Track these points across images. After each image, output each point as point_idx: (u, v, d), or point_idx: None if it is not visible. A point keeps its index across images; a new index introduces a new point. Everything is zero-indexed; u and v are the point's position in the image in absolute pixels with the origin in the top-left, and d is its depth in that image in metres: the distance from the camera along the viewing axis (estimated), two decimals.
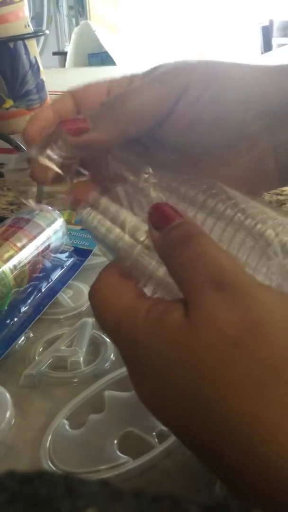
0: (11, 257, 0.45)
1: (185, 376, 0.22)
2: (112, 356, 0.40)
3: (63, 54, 2.36)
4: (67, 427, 0.34)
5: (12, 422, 0.35)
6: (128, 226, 0.27)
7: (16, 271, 0.45)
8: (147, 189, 0.28)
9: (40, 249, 0.48)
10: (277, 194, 0.70)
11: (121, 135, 0.29)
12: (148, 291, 0.26)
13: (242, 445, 0.20)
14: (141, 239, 0.26)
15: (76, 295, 0.49)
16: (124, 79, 0.31)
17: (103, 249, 0.28)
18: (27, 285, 0.47)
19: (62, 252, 0.53)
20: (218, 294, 0.22)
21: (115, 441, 0.33)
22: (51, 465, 0.32)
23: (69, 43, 1.92)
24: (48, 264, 0.50)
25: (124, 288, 0.26)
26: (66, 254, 0.53)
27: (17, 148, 0.68)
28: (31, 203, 0.30)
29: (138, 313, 0.24)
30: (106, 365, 0.40)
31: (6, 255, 0.45)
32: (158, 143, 0.31)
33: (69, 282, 0.50)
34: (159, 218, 0.25)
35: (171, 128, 0.29)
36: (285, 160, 0.31)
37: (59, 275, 0.50)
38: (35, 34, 0.77)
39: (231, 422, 0.20)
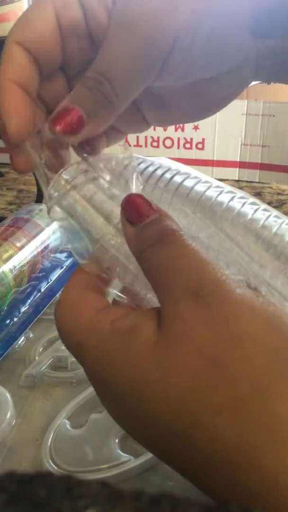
0: (10, 257, 0.45)
1: (161, 401, 0.20)
2: None
3: None
4: (68, 427, 0.34)
5: (13, 423, 0.35)
6: (103, 208, 0.25)
7: (15, 271, 0.45)
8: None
9: (40, 249, 0.48)
10: (278, 194, 0.70)
11: (116, 115, 0.26)
12: (125, 282, 0.25)
13: (227, 474, 0.18)
14: (115, 221, 0.25)
15: None
16: (72, 1, 0.26)
17: (70, 238, 0.26)
18: (27, 285, 0.47)
19: (62, 252, 0.53)
20: (195, 304, 0.20)
21: (116, 440, 0.32)
22: (52, 465, 0.32)
23: None
24: (47, 264, 0.50)
25: (83, 304, 0.24)
26: (65, 254, 0.53)
27: None
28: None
29: (100, 332, 0.22)
30: None
31: (6, 255, 0.45)
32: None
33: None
34: (133, 212, 0.24)
35: (162, 82, 0.26)
36: (264, 58, 0.27)
37: (58, 275, 0.50)
38: None
39: (215, 449, 0.19)
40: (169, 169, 0.32)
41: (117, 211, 0.24)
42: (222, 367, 0.19)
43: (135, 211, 0.24)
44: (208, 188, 0.30)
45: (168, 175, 0.31)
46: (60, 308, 0.24)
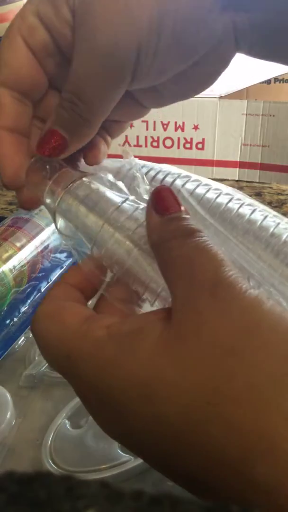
0: (10, 257, 0.45)
1: (175, 398, 0.19)
2: None
3: None
4: (68, 427, 0.34)
5: (13, 423, 0.35)
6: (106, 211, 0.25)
7: (15, 271, 0.45)
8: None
9: (40, 249, 0.48)
10: (278, 194, 0.70)
11: (97, 128, 0.27)
12: (121, 279, 0.24)
13: (245, 467, 0.18)
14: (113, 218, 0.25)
15: None
16: (36, 24, 0.26)
17: (72, 239, 0.26)
18: (27, 285, 0.47)
19: (62, 252, 0.53)
20: (211, 298, 0.20)
21: None
22: (53, 465, 0.32)
23: None
24: (47, 264, 0.50)
25: (67, 313, 0.23)
26: (65, 254, 0.53)
27: None
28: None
29: (94, 338, 0.21)
30: None
31: (6, 255, 0.45)
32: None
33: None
34: (162, 203, 0.24)
35: (140, 85, 0.26)
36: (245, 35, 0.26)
37: (58, 275, 0.50)
38: None
39: (232, 440, 0.18)
40: (174, 174, 0.32)
41: (113, 210, 0.25)
42: (239, 355, 0.19)
43: (165, 202, 0.24)
44: (219, 195, 0.30)
45: (179, 182, 0.31)
46: (38, 320, 0.23)
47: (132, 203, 0.25)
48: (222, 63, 0.28)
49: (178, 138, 0.75)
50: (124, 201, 0.25)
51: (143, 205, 0.25)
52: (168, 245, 0.22)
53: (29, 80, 0.27)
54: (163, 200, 0.24)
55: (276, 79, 0.77)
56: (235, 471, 0.18)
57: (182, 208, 0.24)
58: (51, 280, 0.49)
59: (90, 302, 0.26)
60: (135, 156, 0.32)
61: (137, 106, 0.30)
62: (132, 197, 0.26)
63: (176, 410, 0.19)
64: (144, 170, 0.31)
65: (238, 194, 0.31)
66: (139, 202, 0.26)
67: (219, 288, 0.20)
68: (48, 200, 0.26)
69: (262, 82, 0.76)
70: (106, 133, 0.30)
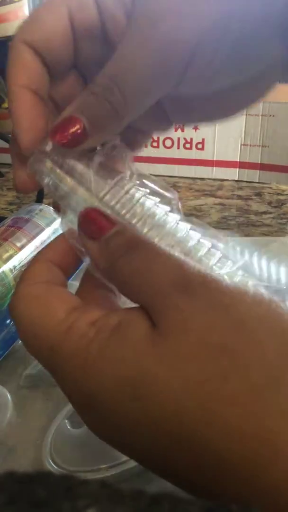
0: (10, 257, 0.45)
1: (167, 399, 0.18)
2: None
3: None
4: (68, 427, 0.34)
5: (13, 423, 0.35)
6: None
7: (15, 271, 0.45)
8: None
9: (40, 249, 0.48)
10: (278, 194, 0.70)
11: (122, 126, 0.24)
12: None
13: (247, 471, 0.17)
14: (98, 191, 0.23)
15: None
16: (88, 2, 0.24)
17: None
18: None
19: None
20: (188, 296, 0.19)
21: None
22: (53, 465, 0.32)
23: None
24: None
25: (53, 301, 0.21)
26: None
27: None
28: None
29: (80, 333, 0.20)
30: None
31: (6, 255, 0.45)
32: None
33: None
34: (92, 227, 0.22)
35: (181, 90, 0.24)
36: None
37: None
38: None
39: (231, 443, 0.17)
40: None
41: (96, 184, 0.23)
42: (231, 354, 0.18)
43: (95, 225, 0.22)
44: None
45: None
46: (20, 302, 0.21)
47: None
48: (263, 90, 0.27)
49: (178, 138, 0.75)
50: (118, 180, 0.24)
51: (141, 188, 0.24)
52: (117, 267, 0.21)
53: (56, 53, 0.24)
54: (92, 223, 0.22)
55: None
56: (236, 477, 0.17)
57: (114, 223, 0.22)
58: None
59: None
60: (135, 156, 0.31)
61: (163, 119, 0.28)
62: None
63: (168, 411, 0.18)
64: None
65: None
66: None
67: (191, 285, 0.19)
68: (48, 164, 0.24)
69: None
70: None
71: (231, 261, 0.22)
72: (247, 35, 0.23)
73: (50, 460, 0.32)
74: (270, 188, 0.72)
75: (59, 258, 0.24)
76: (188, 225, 0.23)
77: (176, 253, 0.21)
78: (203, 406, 0.18)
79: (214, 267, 0.22)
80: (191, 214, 0.65)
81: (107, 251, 0.21)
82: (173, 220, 0.23)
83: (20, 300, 0.22)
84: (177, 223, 0.23)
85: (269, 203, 0.67)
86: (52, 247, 0.24)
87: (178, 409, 0.18)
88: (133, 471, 0.31)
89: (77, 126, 0.22)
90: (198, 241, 0.23)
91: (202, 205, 0.68)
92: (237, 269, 0.22)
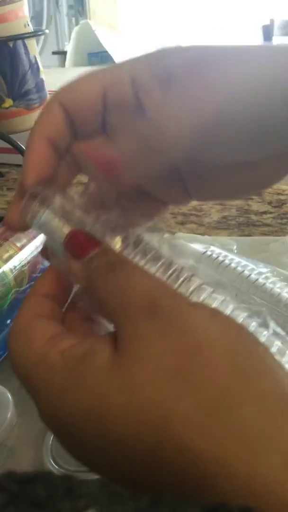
0: (11, 257, 0.45)
1: (125, 425, 0.19)
2: None
3: (62, 53, 2.36)
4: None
5: (14, 423, 0.35)
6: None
7: (16, 271, 0.45)
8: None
9: (40, 249, 0.48)
10: (278, 194, 0.70)
11: (158, 168, 0.27)
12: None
13: (202, 487, 0.18)
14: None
15: None
16: (121, 77, 0.27)
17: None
18: (27, 285, 0.47)
19: None
20: (151, 322, 0.20)
21: None
22: (54, 465, 0.32)
23: (68, 43, 1.92)
24: (47, 264, 0.50)
25: (34, 333, 0.23)
26: None
27: (17, 148, 0.68)
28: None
29: (49, 364, 0.21)
30: None
31: (6, 255, 0.45)
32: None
33: None
34: (77, 247, 0.24)
35: (203, 154, 0.27)
36: None
37: None
38: (35, 34, 0.77)
39: (186, 463, 0.18)
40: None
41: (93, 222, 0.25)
42: (184, 375, 0.19)
43: (80, 245, 0.24)
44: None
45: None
46: (11, 336, 0.24)
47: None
48: (281, 172, 0.29)
49: None
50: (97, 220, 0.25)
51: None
52: (96, 285, 0.22)
53: (84, 117, 0.27)
54: (77, 244, 0.24)
55: None
56: (196, 492, 0.18)
57: (98, 245, 0.24)
58: None
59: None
60: None
61: (182, 192, 0.30)
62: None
63: (126, 437, 0.19)
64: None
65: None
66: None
67: (157, 308, 0.20)
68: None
69: None
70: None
71: (209, 287, 0.24)
72: (269, 111, 0.25)
73: (50, 460, 0.32)
74: (271, 188, 0.72)
75: (49, 288, 0.25)
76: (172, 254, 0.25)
77: (155, 274, 0.23)
78: (158, 429, 0.18)
79: (191, 293, 0.23)
80: (191, 214, 0.65)
81: (88, 271, 0.23)
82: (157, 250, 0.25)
83: (11, 334, 0.24)
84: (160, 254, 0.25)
85: (269, 203, 0.67)
86: (42, 278, 0.26)
87: (135, 434, 0.19)
88: None
89: (116, 162, 0.26)
90: (181, 269, 0.24)
91: (202, 205, 0.68)
92: (214, 294, 0.23)
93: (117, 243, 0.25)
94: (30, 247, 0.47)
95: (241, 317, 0.24)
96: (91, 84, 0.27)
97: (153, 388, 0.19)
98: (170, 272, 0.24)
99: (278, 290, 0.42)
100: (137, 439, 0.19)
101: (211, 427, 0.18)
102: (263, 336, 0.24)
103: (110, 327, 0.22)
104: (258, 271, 0.44)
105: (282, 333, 0.27)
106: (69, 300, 0.25)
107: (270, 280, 0.43)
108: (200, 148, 0.26)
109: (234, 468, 0.17)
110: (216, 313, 0.21)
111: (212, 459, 0.18)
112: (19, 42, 0.72)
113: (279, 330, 0.27)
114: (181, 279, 0.24)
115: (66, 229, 0.25)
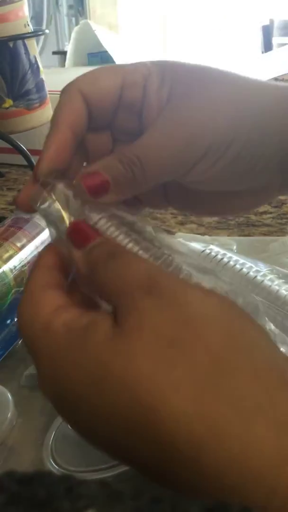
0: (11, 257, 0.45)
1: (122, 391, 0.20)
2: None
3: (62, 53, 2.36)
4: (69, 426, 0.34)
5: (14, 423, 0.36)
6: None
7: (16, 271, 0.45)
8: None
9: (40, 248, 0.48)
10: None
11: (139, 192, 0.29)
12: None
13: (193, 453, 0.18)
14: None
15: None
16: (138, 78, 0.28)
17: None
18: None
19: None
20: (150, 298, 0.21)
21: None
22: (54, 465, 0.32)
23: (68, 43, 1.92)
24: None
25: (43, 302, 0.24)
26: None
27: (17, 148, 0.68)
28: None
29: (53, 332, 0.22)
30: None
31: (6, 255, 0.45)
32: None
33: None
34: (79, 237, 0.25)
35: (187, 180, 0.29)
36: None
37: None
38: (35, 34, 0.77)
39: (178, 428, 0.18)
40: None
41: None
42: (179, 345, 0.20)
43: (81, 235, 0.25)
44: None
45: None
46: (21, 302, 0.25)
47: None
48: (261, 200, 0.33)
49: None
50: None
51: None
52: (96, 272, 0.24)
53: (101, 110, 0.28)
54: (78, 234, 0.25)
55: (276, 80, 0.77)
56: (183, 461, 0.18)
57: (99, 235, 0.25)
58: None
59: None
60: None
61: (162, 198, 0.33)
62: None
63: (123, 402, 0.19)
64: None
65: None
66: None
67: (154, 288, 0.21)
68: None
69: None
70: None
71: (199, 274, 0.25)
72: (252, 144, 0.28)
73: (51, 460, 0.32)
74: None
75: (54, 261, 0.26)
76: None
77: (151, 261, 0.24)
78: (153, 394, 0.19)
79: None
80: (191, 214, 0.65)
81: (89, 259, 0.24)
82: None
83: (20, 301, 0.25)
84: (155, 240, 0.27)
85: (269, 203, 0.67)
86: (47, 251, 0.27)
87: (131, 396, 0.19)
88: (133, 471, 0.31)
89: (103, 181, 0.27)
90: (172, 258, 0.26)
91: None
92: (204, 283, 0.25)
93: (116, 235, 0.26)
94: (30, 247, 0.47)
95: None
96: (112, 79, 0.28)
97: (149, 356, 0.20)
98: (160, 261, 0.25)
99: (277, 287, 0.42)
100: (132, 402, 0.19)
101: (203, 392, 0.19)
102: None
103: (109, 309, 0.23)
104: (256, 269, 0.44)
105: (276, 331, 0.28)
106: (71, 277, 0.26)
107: (268, 278, 0.43)
108: (188, 167, 0.28)
109: (225, 432, 0.18)
110: (210, 292, 0.22)
111: (204, 423, 0.18)
112: (19, 42, 0.72)
113: (272, 326, 0.28)
114: (171, 267, 0.25)
115: (70, 220, 0.26)
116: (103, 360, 0.20)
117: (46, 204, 0.27)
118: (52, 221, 0.27)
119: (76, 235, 0.25)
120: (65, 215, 0.26)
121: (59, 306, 0.24)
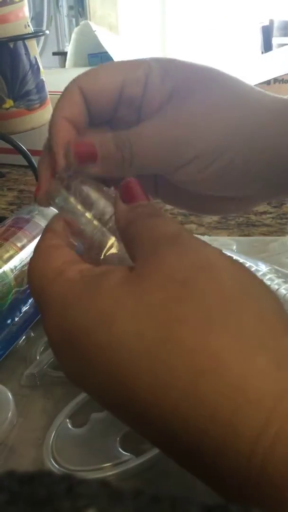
0: (11, 257, 0.45)
1: (130, 324, 0.20)
2: None
3: (63, 54, 2.36)
4: (70, 426, 0.34)
5: (14, 422, 0.36)
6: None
7: (16, 271, 0.45)
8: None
9: None
10: None
11: (122, 175, 0.29)
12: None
13: (193, 384, 0.19)
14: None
15: None
16: (140, 75, 0.30)
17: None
18: (28, 285, 0.47)
19: None
20: (172, 247, 0.22)
21: (118, 439, 0.33)
22: (54, 464, 0.32)
23: (69, 43, 1.92)
24: None
25: (54, 254, 0.25)
26: None
27: (17, 149, 0.68)
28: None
29: (67, 277, 0.23)
30: None
31: (6, 255, 0.45)
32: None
33: None
34: (129, 194, 0.26)
35: (173, 179, 0.31)
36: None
37: None
38: (35, 34, 0.77)
39: (180, 357, 0.19)
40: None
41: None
42: (191, 285, 0.20)
43: (131, 192, 0.26)
44: None
45: None
46: (31, 258, 0.25)
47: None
48: (244, 206, 0.35)
49: None
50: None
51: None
52: (132, 225, 0.25)
53: (99, 104, 0.30)
54: (130, 190, 0.26)
55: (276, 80, 0.77)
56: (182, 392, 0.19)
57: (148, 198, 0.26)
58: None
59: None
60: None
61: (152, 189, 0.34)
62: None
63: (131, 334, 0.20)
64: None
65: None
66: None
67: (178, 239, 0.22)
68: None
69: (262, 83, 0.76)
70: None
71: None
72: (243, 158, 0.29)
73: (51, 460, 0.32)
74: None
75: (63, 225, 0.28)
76: None
77: None
78: (161, 326, 0.20)
79: None
80: (191, 214, 0.65)
81: (132, 214, 0.25)
82: None
83: (31, 259, 0.26)
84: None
85: (269, 203, 0.67)
86: (55, 218, 0.28)
87: (139, 329, 0.20)
88: (134, 470, 0.31)
89: (92, 152, 0.29)
90: None
91: None
92: None
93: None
94: (31, 247, 0.47)
95: None
96: (112, 76, 0.29)
97: (161, 295, 0.20)
98: None
99: (276, 287, 0.42)
100: (140, 334, 0.20)
101: (210, 326, 0.19)
102: None
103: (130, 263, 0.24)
104: (256, 269, 0.44)
105: None
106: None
107: (268, 277, 0.43)
108: (167, 172, 0.30)
109: (227, 363, 0.19)
110: (225, 254, 0.23)
111: (206, 352, 0.19)
112: (20, 42, 0.72)
113: None
114: None
115: (84, 214, 0.28)
116: (115, 296, 0.21)
117: (61, 200, 0.28)
118: (66, 215, 0.28)
119: (126, 190, 0.26)
120: (81, 209, 0.28)
121: (72, 260, 0.24)
